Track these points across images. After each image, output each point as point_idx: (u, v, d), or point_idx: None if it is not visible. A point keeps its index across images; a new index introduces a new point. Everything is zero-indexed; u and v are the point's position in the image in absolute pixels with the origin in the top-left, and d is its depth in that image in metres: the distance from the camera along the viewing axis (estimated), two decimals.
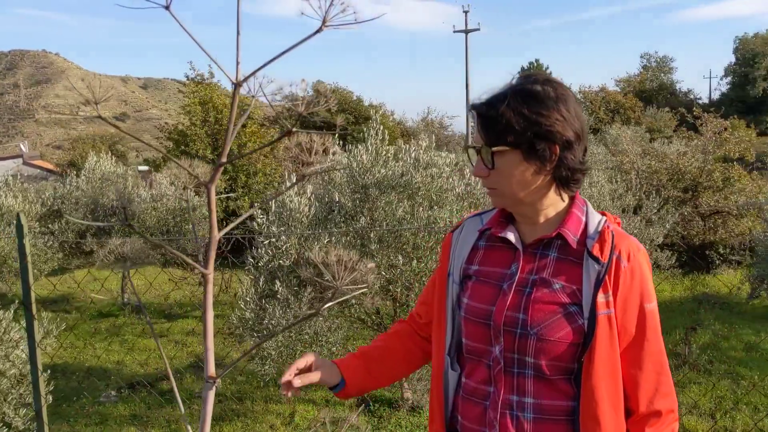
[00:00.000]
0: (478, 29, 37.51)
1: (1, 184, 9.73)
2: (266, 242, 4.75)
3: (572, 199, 1.51)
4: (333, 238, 4.68)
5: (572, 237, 1.46)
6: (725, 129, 11.34)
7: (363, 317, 5.19)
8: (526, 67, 61.02)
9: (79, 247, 8.94)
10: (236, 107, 0.81)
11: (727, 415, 5.14)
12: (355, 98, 28.87)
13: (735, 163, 11.11)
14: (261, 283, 4.75)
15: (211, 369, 0.83)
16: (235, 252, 9.08)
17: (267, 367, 4.62)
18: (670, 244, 9.06)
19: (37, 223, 9.08)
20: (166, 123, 17.80)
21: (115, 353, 7.31)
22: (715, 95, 53.80)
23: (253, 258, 4.91)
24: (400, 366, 1.74)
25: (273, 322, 4.49)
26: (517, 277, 1.48)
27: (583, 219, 1.49)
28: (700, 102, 48.96)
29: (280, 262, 4.69)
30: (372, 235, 4.55)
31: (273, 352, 4.54)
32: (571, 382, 1.44)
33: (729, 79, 51.38)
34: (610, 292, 1.40)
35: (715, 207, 10.14)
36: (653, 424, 1.43)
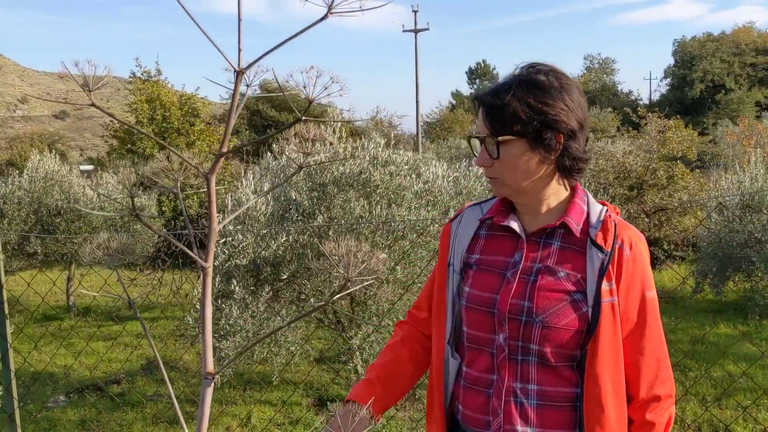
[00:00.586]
0: (428, 29, 37.70)
1: None
2: (222, 241, 4.67)
3: (573, 189, 1.52)
4: (290, 236, 4.64)
5: (576, 226, 1.47)
6: (668, 129, 11.68)
7: (320, 316, 5.16)
8: (473, 68, 61.79)
9: (21, 249, 8.64)
10: (237, 96, 0.78)
11: (677, 406, 5.29)
12: (303, 97, 28.64)
13: (678, 161, 11.45)
14: (217, 283, 4.67)
15: (210, 365, 0.81)
16: (185, 253, 8.92)
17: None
18: None
19: None
20: (110, 121, 17.41)
21: (62, 357, 7.09)
22: (655, 96, 55.40)
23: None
24: (413, 373, 1.72)
25: (230, 322, 4.42)
26: (521, 266, 1.49)
27: (585, 208, 1.50)
28: (641, 102, 50.37)
29: (237, 261, 4.62)
30: (330, 233, 4.53)
31: (231, 353, 4.47)
32: (575, 369, 1.45)
33: (668, 80, 52.92)
34: (614, 281, 1.42)
35: (659, 204, 10.42)
36: (653, 409, 1.46)
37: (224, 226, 4.61)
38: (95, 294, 1.36)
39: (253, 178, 5.01)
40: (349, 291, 0.70)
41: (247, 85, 0.83)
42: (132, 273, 9.33)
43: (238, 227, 4.70)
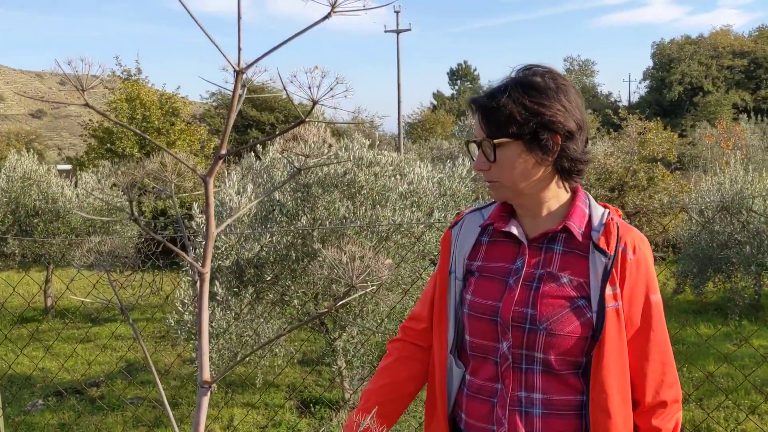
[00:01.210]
0: (409, 29, 37.76)
1: None
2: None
3: (574, 191, 1.50)
4: (274, 237, 4.60)
5: (578, 230, 1.45)
6: (648, 130, 11.77)
7: (302, 318, 5.13)
8: (455, 69, 61.94)
9: None
10: (237, 95, 0.76)
11: None
12: (284, 97, 28.59)
13: (658, 163, 11.55)
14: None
15: (206, 373, 0.78)
16: (167, 253, 8.83)
17: None
18: None
19: None
20: (89, 120, 17.21)
21: (41, 360, 6.99)
22: (634, 98, 55.90)
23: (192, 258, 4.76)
24: (413, 391, 1.69)
25: (213, 324, 4.37)
26: (523, 272, 1.46)
27: (587, 211, 1.48)
28: (621, 104, 50.84)
29: (220, 263, 4.57)
30: (315, 234, 4.50)
31: (214, 355, 4.42)
32: (580, 376, 1.43)
33: (647, 82, 53.41)
34: (617, 285, 1.40)
35: (640, 206, 10.51)
36: (659, 415, 1.44)
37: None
38: (84, 299, 1.31)
39: (236, 178, 4.96)
40: (352, 297, 0.67)
41: (244, 86, 0.81)
42: (113, 275, 9.21)
43: (230, 223, 4.65)
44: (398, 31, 37.62)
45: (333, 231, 4.52)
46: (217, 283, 4.49)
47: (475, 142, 1.46)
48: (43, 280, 9.18)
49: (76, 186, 9.36)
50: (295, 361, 6.52)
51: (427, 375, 1.68)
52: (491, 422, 1.47)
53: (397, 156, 5.07)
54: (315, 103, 0.70)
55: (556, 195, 1.48)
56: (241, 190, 4.75)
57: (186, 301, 4.69)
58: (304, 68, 0.75)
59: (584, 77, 57.89)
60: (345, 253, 0.73)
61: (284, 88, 0.68)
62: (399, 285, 4.76)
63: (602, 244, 1.42)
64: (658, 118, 18.84)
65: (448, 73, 62.51)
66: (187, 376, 6.43)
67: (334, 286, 4.64)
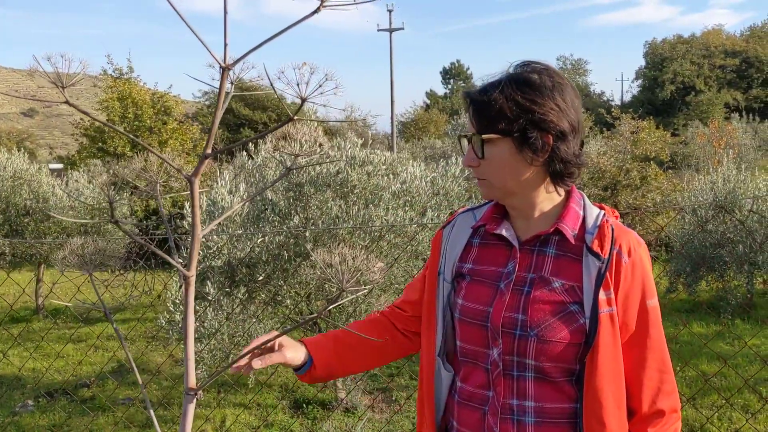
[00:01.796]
0: (402, 28, 37.70)
1: None
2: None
3: (568, 192, 1.45)
4: (266, 237, 4.56)
5: (570, 232, 1.40)
6: (641, 129, 11.79)
7: (296, 317, 5.09)
8: (448, 68, 61.96)
9: None
10: (223, 93, 0.73)
11: None
12: (277, 96, 28.46)
13: (651, 162, 11.57)
14: None
15: (192, 380, 0.75)
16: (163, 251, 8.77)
17: (199, 371, 4.46)
18: None
19: None
20: (81, 119, 17.10)
21: (31, 360, 6.93)
22: (627, 97, 56.05)
23: (182, 259, 4.73)
24: (372, 356, 1.63)
25: (205, 324, 4.34)
26: (514, 276, 1.41)
27: (581, 213, 1.43)
28: (613, 103, 50.97)
29: (212, 263, 4.54)
30: (307, 234, 4.47)
31: (206, 356, 4.39)
32: (573, 383, 1.38)
33: (639, 82, 53.56)
34: (612, 289, 1.35)
35: (633, 205, 10.51)
36: (656, 425, 1.38)
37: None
38: (67, 304, 1.29)
39: (228, 177, 4.92)
40: (343, 301, 0.65)
41: (231, 83, 0.78)
42: (104, 275, 9.15)
43: (213, 227, 4.62)
44: (391, 30, 37.58)
45: (326, 231, 4.49)
46: (209, 283, 4.45)
47: (465, 136, 1.42)
48: (33, 280, 9.12)
49: (66, 185, 9.31)
50: None
51: (389, 356, 1.64)
52: (482, 430, 1.42)
53: (390, 155, 5.05)
54: (304, 100, 0.67)
55: (549, 196, 1.43)
56: (233, 189, 4.72)
57: (177, 301, 4.66)
58: (291, 64, 0.72)
59: (577, 76, 58.04)
60: (336, 256, 0.70)
61: (271, 85, 0.65)
62: (392, 285, 4.74)
63: (596, 247, 1.37)
64: (651, 117, 18.90)
65: (441, 72, 62.56)
66: (178, 376, 6.39)
67: (326, 285, 4.61)
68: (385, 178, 4.77)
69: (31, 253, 8.66)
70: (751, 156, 22.03)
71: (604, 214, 1.44)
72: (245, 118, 29.36)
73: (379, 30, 38.26)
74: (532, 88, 1.34)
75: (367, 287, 0.68)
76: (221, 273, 4.61)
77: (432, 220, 4.64)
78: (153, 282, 9.07)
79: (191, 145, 16.56)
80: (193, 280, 0.75)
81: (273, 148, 4.96)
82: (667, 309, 8.29)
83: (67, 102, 0.74)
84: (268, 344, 1.47)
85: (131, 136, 0.68)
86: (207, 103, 31.12)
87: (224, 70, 0.74)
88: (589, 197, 10.35)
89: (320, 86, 0.69)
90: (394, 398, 5.68)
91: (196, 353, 4.31)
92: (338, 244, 4.46)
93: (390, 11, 37.70)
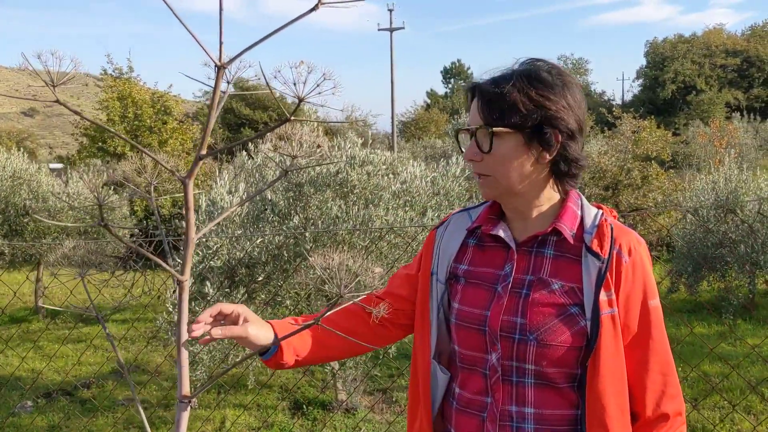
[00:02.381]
0: (403, 28, 37.66)
1: None
2: (196, 243, 4.56)
3: (566, 192, 1.42)
4: (266, 237, 4.54)
5: (569, 232, 1.36)
6: (642, 129, 11.77)
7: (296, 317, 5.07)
8: (448, 68, 61.92)
9: None
10: (218, 92, 0.71)
11: None
12: (278, 95, 28.48)
13: (652, 161, 11.54)
14: (190, 285, 4.55)
15: (186, 387, 0.73)
16: (160, 252, 8.76)
17: (198, 373, 4.44)
18: None
19: None
20: (81, 119, 17.03)
21: (30, 361, 6.91)
22: (628, 97, 56.02)
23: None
24: (343, 347, 1.54)
25: None
26: (512, 278, 1.37)
27: (579, 212, 1.39)
28: (614, 103, 50.97)
29: (211, 263, 4.51)
30: (307, 235, 4.44)
31: (205, 357, 4.37)
32: (575, 388, 1.35)
33: (640, 81, 53.51)
34: (613, 290, 1.31)
35: (634, 205, 10.49)
36: (661, 429, 1.35)
37: (197, 227, 4.50)
38: (59, 308, 1.26)
39: (227, 177, 4.90)
40: (340, 307, 0.63)
41: (228, 82, 0.76)
42: (104, 275, 9.13)
43: (212, 228, 4.59)
44: (391, 30, 37.55)
45: (325, 231, 4.47)
46: (209, 284, 4.43)
47: (468, 130, 1.38)
48: (26, 281, 9.09)
49: (66, 185, 9.28)
50: None
51: (365, 348, 1.55)
52: None
53: (390, 155, 5.02)
54: (301, 100, 0.65)
55: (549, 197, 1.40)
56: (233, 189, 4.69)
57: (176, 301, 4.63)
58: (289, 63, 0.70)
59: (578, 76, 57.97)
60: (333, 260, 0.68)
61: (267, 85, 0.63)
62: None
63: (595, 247, 1.33)
64: (652, 117, 18.88)
65: (441, 72, 62.48)
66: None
67: (326, 286, 4.59)
68: (385, 177, 4.74)
69: (30, 253, 8.64)
70: (752, 156, 22.03)
71: (603, 213, 1.41)
72: (246, 118, 29.35)
73: (379, 29, 38.25)
74: (545, 85, 1.31)
75: (364, 293, 0.65)
76: (221, 273, 4.58)
77: (432, 220, 4.62)
78: (153, 282, 9.04)
79: (191, 144, 16.55)
80: (187, 285, 0.73)
81: (273, 148, 4.93)
82: (668, 309, 8.25)
83: (57, 101, 0.72)
84: (232, 316, 1.40)
85: (122, 137, 0.66)
86: (207, 102, 31.08)
87: (219, 68, 0.71)
88: (590, 197, 10.36)
89: (318, 86, 0.67)
90: (394, 399, 5.66)
91: (194, 354, 4.29)
92: (338, 245, 4.43)
93: (390, 11, 37.67)
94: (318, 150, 4.35)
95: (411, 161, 5.15)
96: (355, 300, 0.68)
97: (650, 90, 49.59)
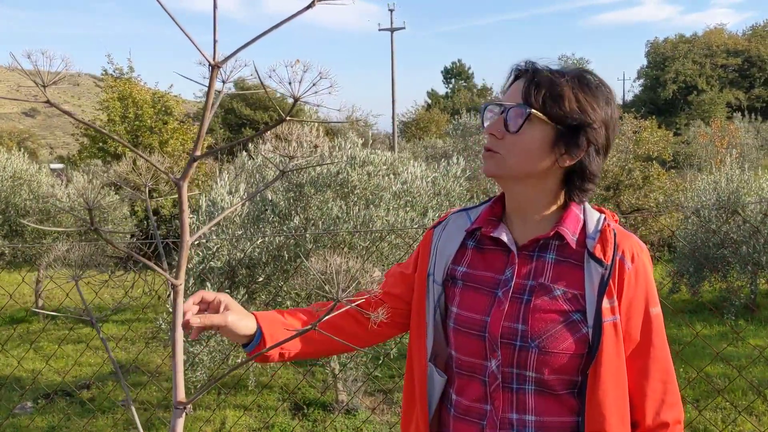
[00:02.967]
0: (404, 28, 37.60)
1: None
2: (196, 243, 4.55)
3: (570, 200, 1.39)
4: (266, 238, 4.53)
5: (571, 236, 1.33)
6: (643, 129, 11.75)
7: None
8: (449, 67, 61.89)
9: None
10: (213, 91, 0.69)
11: None
12: (278, 95, 28.47)
13: (653, 161, 11.52)
14: (190, 286, 4.54)
15: (181, 393, 0.71)
16: (156, 255, 8.74)
17: (198, 374, 4.43)
18: None
19: None
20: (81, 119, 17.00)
21: (30, 361, 6.90)
22: (629, 97, 55.96)
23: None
24: (332, 340, 1.48)
25: None
26: (512, 283, 1.34)
27: (581, 217, 1.37)
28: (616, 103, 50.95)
29: (212, 264, 4.50)
30: (308, 235, 4.43)
31: (205, 358, 4.35)
32: (575, 396, 1.32)
33: (641, 81, 53.49)
34: (615, 297, 1.29)
35: (636, 205, 10.47)
36: None
37: (197, 228, 4.49)
38: (53, 313, 1.24)
39: (228, 177, 4.89)
40: (338, 312, 0.61)
41: (223, 81, 0.74)
42: (104, 275, 9.12)
43: (212, 228, 4.58)
44: (392, 30, 37.52)
45: (326, 231, 4.45)
46: (209, 285, 4.41)
47: (501, 104, 1.33)
48: (23, 282, 9.08)
49: (67, 186, 9.28)
50: (288, 362, 6.46)
51: (339, 348, 1.52)
52: None
53: (390, 155, 5.01)
54: (296, 100, 0.63)
55: (553, 201, 1.37)
56: (233, 189, 4.68)
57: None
58: (284, 62, 0.68)
59: None
60: (331, 264, 0.66)
61: (261, 84, 0.61)
62: None
63: (598, 253, 1.31)
64: (653, 117, 18.85)
65: (442, 72, 62.41)
66: None
67: (327, 286, 4.57)
68: (386, 178, 4.73)
69: (31, 254, 8.63)
70: (753, 156, 22.02)
71: (605, 218, 1.38)
72: (247, 118, 29.33)
73: (380, 29, 38.19)
74: (594, 95, 1.30)
75: (362, 298, 0.63)
76: (221, 274, 4.57)
77: (433, 221, 4.60)
78: (153, 283, 9.03)
79: (192, 144, 16.50)
80: (181, 289, 0.71)
81: (273, 148, 4.91)
82: (669, 309, 8.22)
83: (48, 101, 0.70)
84: (214, 303, 1.36)
85: (114, 137, 0.64)
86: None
87: (214, 68, 0.70)
88: (591, 198, 10.33)
89: (314, 85, 0.65)
90: (395, 400, 5.65)
91: (195, 355, 4.28)
92: (338, 246, 4.42)
93: (391, 11, 37.62)
94: (315, 150, 4.32)
95: (412, 161, 5.13)
96: (352, 305, 0.66)
97: (651, 90, 49.57)
